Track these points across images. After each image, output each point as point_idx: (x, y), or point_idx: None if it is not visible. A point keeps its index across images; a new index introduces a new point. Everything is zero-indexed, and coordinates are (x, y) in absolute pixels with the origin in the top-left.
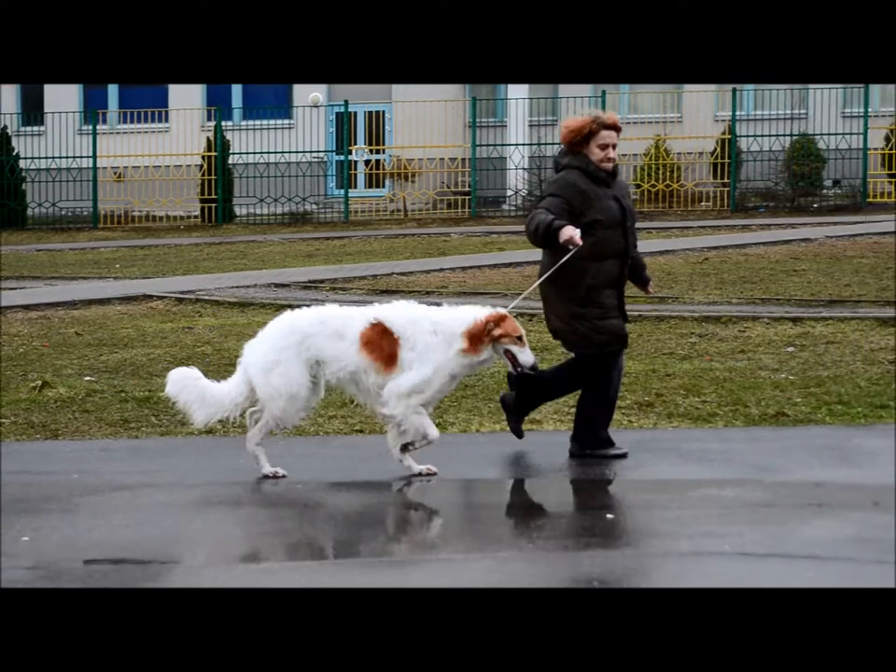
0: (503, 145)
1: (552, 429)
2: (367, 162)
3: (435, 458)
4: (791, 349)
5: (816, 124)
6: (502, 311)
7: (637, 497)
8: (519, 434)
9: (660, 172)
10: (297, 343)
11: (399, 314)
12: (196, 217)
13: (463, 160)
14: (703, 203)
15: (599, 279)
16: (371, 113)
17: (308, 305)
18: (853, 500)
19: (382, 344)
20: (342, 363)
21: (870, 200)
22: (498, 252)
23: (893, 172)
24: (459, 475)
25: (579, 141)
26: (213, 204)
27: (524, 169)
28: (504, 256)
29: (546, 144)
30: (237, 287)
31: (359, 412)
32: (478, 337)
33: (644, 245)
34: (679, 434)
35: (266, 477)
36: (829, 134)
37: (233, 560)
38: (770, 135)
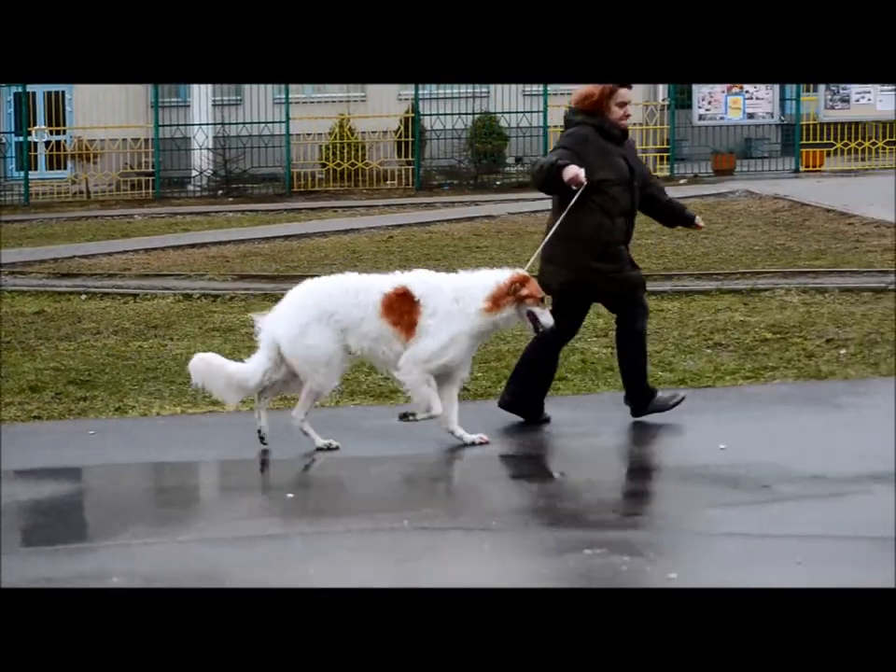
0: (186, 125)
1: (232, 410)
2: (47, 144)
3: (123, 442)
4: None
5: (497, 102)
6: (523, 272)
7: (319, 475)
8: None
9: (345, 151)
10: (320, 313)
11: (421, 280)
12: None
13: (146, 140)
14: (388, 182)
15: (612, 235)
16: (50, 93)
17: None
18: (535, 471)
19: (403, 312)
20: (364, 331)
21: None
22: (183, 233)
23: None
24: (140, 459)
25: (597, 101)
26: None
27: (208, 149)
28: (188, 237)
29: (230, 123)
30: None
31: (37, 397)
32: (501, 297)
33: (329, 224)
34: (361, 411)
35: (320, 450)
36: (510, 112)
37: None
38: (453, 114)
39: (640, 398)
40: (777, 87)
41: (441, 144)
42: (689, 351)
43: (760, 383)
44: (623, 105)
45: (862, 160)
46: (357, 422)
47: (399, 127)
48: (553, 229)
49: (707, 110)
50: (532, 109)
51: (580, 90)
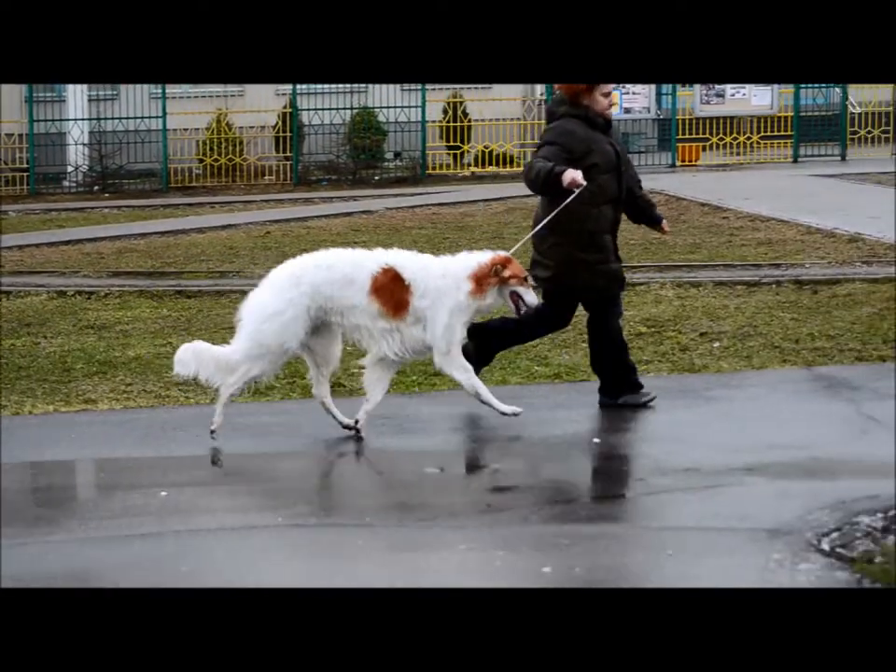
0: (62, 120)
1: (106, 408)
2: None
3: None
4: None
5: (376, 97)
6: (504, 253)
7: (190, 475)
8: None
9: (222, 146)
10: (303, 293)
11: (409, 260)
12: None
13: (20, 135)
14: (266, 177)
15: (598, 224)
16: None
17: None
18: (411, 467)
19: (392, 290)
20: (350, 309)
21: (429, 171)
22: (58, 229)
23: (451, 144)
24: (12, 458)
25: (582, 91)
26: None
27: (83, 145)
28: (63, 233)
29: (106, 119)
30: None
31: None
32: (484, 279)
33: (206, 220)
34: (235, 408)
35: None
36: (388, 107)
37: None
38: (331, 109)
39: (621, 387)
40: None
41: (320, 139)
42: (564, 345)
43: None
44: (607, 94)
45: (738, 154)
46: (231, 419)
47: (277, 122)
48: (543, 223)
49: None
50: (410, 104)
51: None
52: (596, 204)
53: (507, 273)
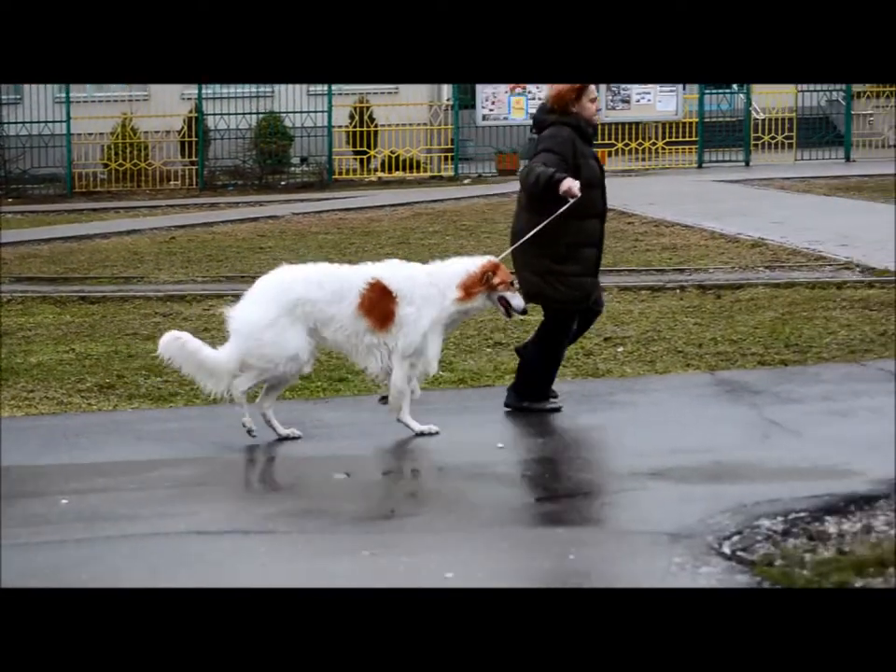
0: None
1: (7, 415)
2: None
3: None
4: None
5: (282, 102)
6: (494, 259)
7: (95, 480)
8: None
9: (127, 151)
10: (292, 304)
11: (395, 271)
12: None
13: None
14: (172, 182)
15: (579, 237)
16: None
17: None
18: (315, 473)
19: (380, 304)
20: (338, 325)
21: (336, 176)
22: None
23: (358, 149)
24: None
25: (572, 99)
26: None
27: None
28: None
29: (9, 123)
30: None
31: None
32: (473, 286)
33: (111, 225)
34: (139, 415)
35: (281, 438)
36: (295, 112)
37: None
38: (237, 113)
39: (528, 393)
40: None
41: (226, 144)
42: (469, 350)
43: None
44: (594, 100)
45: (643, 160)
46: (134, 425)
47: (183, 127)
48: (537, 229)
49: (490, 111)
50: (317, 109)
51: (552, 88)
52: (579, 218)
53: (496, 280)
